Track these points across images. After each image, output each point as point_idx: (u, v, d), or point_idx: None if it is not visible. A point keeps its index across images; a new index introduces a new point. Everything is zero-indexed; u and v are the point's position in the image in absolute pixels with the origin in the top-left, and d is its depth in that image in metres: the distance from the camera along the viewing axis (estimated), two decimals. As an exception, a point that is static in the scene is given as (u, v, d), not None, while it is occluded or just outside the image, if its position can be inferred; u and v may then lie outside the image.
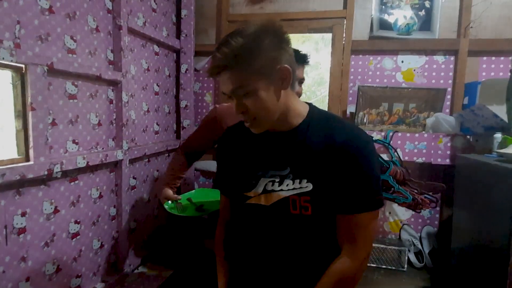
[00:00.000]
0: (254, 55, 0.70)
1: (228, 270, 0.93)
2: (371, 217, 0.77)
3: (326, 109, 2.37)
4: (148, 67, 2.13)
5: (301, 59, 1.35)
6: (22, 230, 1.30)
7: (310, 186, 0.76)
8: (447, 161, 1.99)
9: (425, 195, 2.01)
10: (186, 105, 2.47)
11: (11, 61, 1.19)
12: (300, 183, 0.77)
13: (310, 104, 0.85)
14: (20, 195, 1.29)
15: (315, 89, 7.11)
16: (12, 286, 1.26)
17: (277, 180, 0.80)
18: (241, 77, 0.71)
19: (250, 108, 0.74)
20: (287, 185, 0.78)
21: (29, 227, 1.33)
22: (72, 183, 1.55)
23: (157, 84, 2.25)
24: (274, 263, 0.83)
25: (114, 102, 1.81)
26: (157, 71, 2.24)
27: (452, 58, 2.13)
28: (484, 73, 2.10)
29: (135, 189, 2.04)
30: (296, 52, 1.02)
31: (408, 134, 2.00)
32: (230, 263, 0.94)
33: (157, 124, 2.28)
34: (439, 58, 2.15)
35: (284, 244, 0.81)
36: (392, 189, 2.05)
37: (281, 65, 0.73)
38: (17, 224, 1.28)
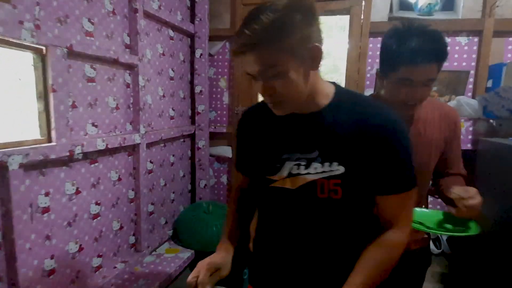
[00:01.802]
0: (287, 32, 0.64)
1: (237, 219, 0.94)
2: (410, 195, 0.77)
3: (342, 93, 2.32)
4: (163, 51, 2.13)
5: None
6: (46, 210, 1.34)
7: (341, 169, 0.74)
8: (469, 146, 1.94)
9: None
10: (200, 91, 2.46)
11: (32, 42, 1.20)
12: (330, 166, 0.75)
13: (335, 84, 0.81)
14: (44, 175, 1.32)
15: (328, 76, 7.02)
16: (38, 263, 1.31)
17: (303, 163, 0.77)
18: (272, 57, 0.65)
19: (278, 90, 0.69)
20: (315, 168, 0.76)
21: (53, 206, 1.37)
22: (93, 165, 1.58)
23: (172, 69, 2.25)
24: (302, 249, 0.81)
25: (131, 86, 1.82)
26: (172, 56, 2.24)
27: (476, 39, 2.05)
28: (509, 55, 2.02)
29: (152, 173, 2.07)
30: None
31: (428, 118, 1.94)
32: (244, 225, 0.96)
33: (172, 109, 2.29)
34: (462, 39, 2.07)
35: (311, 229, 0.80)
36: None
37: (312, 44, 0.68)
38: (41, 203, 1.31)
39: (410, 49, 0.91)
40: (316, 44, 0.68)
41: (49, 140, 1.34)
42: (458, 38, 2.08)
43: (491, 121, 1.89)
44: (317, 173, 0.75)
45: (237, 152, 0.97)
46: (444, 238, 2.10)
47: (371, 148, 0.73)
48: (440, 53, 0.93)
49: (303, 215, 0.80)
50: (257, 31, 0.63)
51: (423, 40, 0.91)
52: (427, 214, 1.05)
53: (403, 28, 0.95)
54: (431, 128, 1.06)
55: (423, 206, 1.14)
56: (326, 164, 0.75)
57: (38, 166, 1.29)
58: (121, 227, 1.81)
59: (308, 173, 0.76)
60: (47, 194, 1.34)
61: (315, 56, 0.70)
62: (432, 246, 2.06)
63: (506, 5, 1.96)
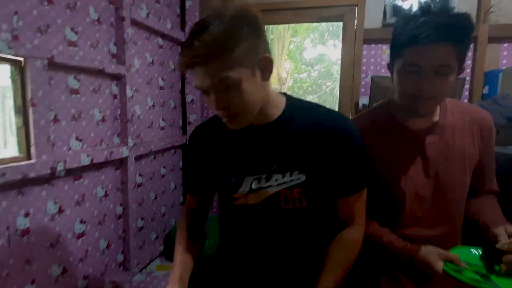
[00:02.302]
0: (238, 42, 0.63)
1: (190, 247, 0.87)
2: (365, 193, 0.80)
3: (337, 102, 2.28)
4: (152, 60, 2.06)
5: None
6: (25, 231, 1.25)
7: (302, 177, 0.74)
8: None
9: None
10: (192, 100, 2.40)
11: (9, 54, 1.12)
12: (291, 175, 0.74)
13: (286, 94, 0.82)
14: (23, 195, 1.23)
15: (321, 82, 7.01)
16: (21, 284, 1.22)
17: (263, 176, 0.76)
18: (224, 68, 0.64)
19: (232, 102, 0.67)
20: (276, 179, 0.75)
21: (33, 228, 1.28)
22: (77, 182, 1.49)
23: (162, 78, 2.18)
24: (270, 262, 0.81)
25: (118, 97, 1.75)
26: (161, 64, 2.17)
27: (471, 45, 2.02)
28: (505, 61, 1.99)
29: (141, 187, 1.99)
30: None
31: (424, 126, 1.90)
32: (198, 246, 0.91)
33: (162, 119, 2.21)
34: (457, 46, 2.05)
35: (279, 240, 0.80)
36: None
37: (262, 54, 0.68)
38: (20, 225, 1.22)
39: (416, 25, 0.72)
40: (266, 54, 0.68)
41: (29, 157, 1.26)
42: (453, 45, 2.05)
43: (489, 128, 1.85)
44: (278, 184, 0.75)
45: (190, 172, 0.91)
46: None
47: (330, 152, 0.74)
48: (456, 31, 0.71)
49: (269, 229, 0.79)
50: (208, 42, 0.61)
51: (435, 15, 0.72)
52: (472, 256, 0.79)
53: (418, 7, 0.78)
54: (462, 137, 0.87)
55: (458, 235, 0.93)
56: (287, 174, 0.74)
57: (17, 185, 1.20)
58: (109, 245, 1.72)
59: (270, 186, 0.75)
60: (26, 215, 1.25)
61: (266, 67, 0.69)
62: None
63: (500, 11, 1.94)
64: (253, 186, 0.77)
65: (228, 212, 0.85)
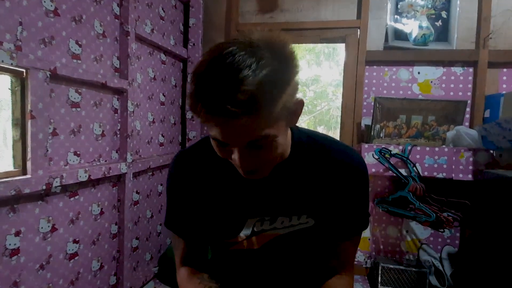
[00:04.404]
0: (281, 90, 0.50)
1: None
2: (361, 235, 0.73)
3: (339, 122, 2.27)
4: (154, 75, 2.04)
5: None
6: (15, 252, 1.17)
7: (311, 222, 0.67)
8: (469, 177, 1.88)
9: (448, 213, 1.89)
10: (192, 116, 2.36)
11: (11, 64, 1.09)
12: (299, 219, 0.67)
13: (291, 128, 0.69)
14: (15, 212, 1.16)
15: (317, 102, 7.09)
16: (2, 316, 1.12)
17: (267, 217, 0.68)
18: (263, 125, 0.50)
19: (261, 159, 0.55)
20: (282, 222, 0.67)
21: (23, 248, 1.20)
22: (72, 199, 1.42)
23: (163, 94, 2.15)
24: None
25: (119, 111, 1.71)
26: (163, 80, 2.15)
27: (471, 69, 2.05)
28: (504, 85, 2.02)
29: (138, 205, 1.91)
30: None
31: (427, 148, 1.89)
32: None
33: (162, 135, 2.17)
34: (457, 70, 2.08)
35: (280, 282, 0.73)
36: (412, 206, 1.94)
37: (298, 98, 0.56)
38: (10, 244, 1.15)
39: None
40: (300, 98, 0.57)
41: (24, 172, 1.19)
42: (454, 68, 2.08)
43: (491, 151, 1.85)
44: (284, 227, 0.67)
45: (177, 212, 0.72)
46: (448, 273, 1.99)
47: (339, 193, 0.66)
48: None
49: (272, 274, 0.72)
50: (247, 94, 0.46)
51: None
52: None
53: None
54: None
55: None
56: (294, 217, 0.67)
57: (9, 202, 1.13)
58: (102, 267, 1.63)
59: (275, 228, 0.68)
60: (17, 234, 1.17)
61: (298, 111, 0.58)
62: (435, 282, 1.95)
63: (499, 37, 1.98)
64: (256, 228, 0.68)
65: (224, 257, 0.76)
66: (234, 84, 0.46)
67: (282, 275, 0.72)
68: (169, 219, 0.74)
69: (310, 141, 0.68)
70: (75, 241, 1.44)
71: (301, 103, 0.57)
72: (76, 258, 1.46)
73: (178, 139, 2.41)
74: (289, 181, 0.66)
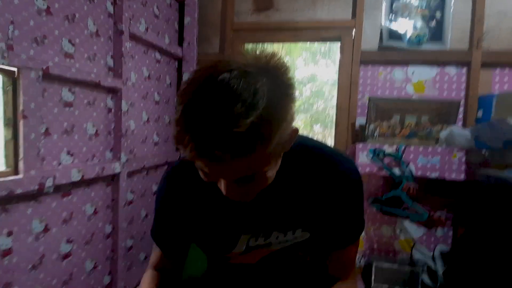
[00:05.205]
0: (277, 126, 0.46)
1: None
2: (359, 240, 0.74)
3: (333, 121, 2.28)
4: (149, 75, 2.03)
5: None
6: (7, 252, 1.16)
7: (306, 235, 0.66)
8: (462, 177, 1.90)
9: (440, 212, 1.91)
10: (187, 115, 2.36)
11: (3, 64, 1.08)
12: (294, 233, 0.66)
13: None
14: (7, 213, 1.15)
15: (313, 101, 7.09)
16: (-6, 317, 1.12)
17: (261, 234, 0.67)
18: (257, 162, 0.48)
19: (251, 190, 0.54)
20: (277, 237, 0.66)
21: (16, 248, 1.19)
22: (65, 199, 1.42)
23: (158, 93, 2.15)
24: None
25: (113, 111, 1.70)
26: (158, 79, 2.14)
27: (464, 70, 2.07)
28: (497, 86, 2.04)
29: (132, 204, 1.91)
30: None
31: (420, 148, 1.91)
32: None
33: (157, 135, 2.16)
34: (451, 70, 2.09)
35: None
36: (405, 205, 1.95)
37: (292, 127, 0.52)
38: (1, 245, 1.14)
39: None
40: (295, 128, 0.53)
41: (16, 172, 1.19)
42: (447, 69, 2.09)
43: (484, 151, 1.87)
44: (280, 242, 0.67)
45: (164, 227, 0.71)
46: (441, 272, 2.01)
47: (334, 204, 0.65)
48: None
49: (270, 286, 0.72)
50: (243, 136, 0.42)
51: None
52: None
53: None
54: None
55: None
56: (289, 232, 0.66)
57: (1, 202, 1.13)
58: (95, 267, 1.63)
59: (270, 243, 0.67)
60: (9, 234, 1.17)
61: (291, 140, 0.54)
62: (427, 281, 1.97)
63: (492, 38, 2.00)
64: (251, 244, 0.67)
65: (221, 270, 0.77)
66: (227, 123, 0.42)
67: (283, 285, 0.73)
68: (155, 231, 0.73)
69: (301, 149, 0.64)
70: (68, 241, 1.44)
71: (295, 132, 0.54)
72: (69, 258, 1.45)
73: (172, 140, 2.40)
74: (281, 195, 0.64)
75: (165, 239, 0.72)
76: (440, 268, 2.05)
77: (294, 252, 0.68)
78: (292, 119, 0.50)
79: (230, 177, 0.49)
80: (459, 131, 1.91)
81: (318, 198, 0.64)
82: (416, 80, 2.13)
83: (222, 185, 0.52)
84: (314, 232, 0.66)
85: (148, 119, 2.04)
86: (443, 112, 1.99)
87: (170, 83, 2.31)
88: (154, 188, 2.16)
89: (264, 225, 0.66)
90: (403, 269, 2.00)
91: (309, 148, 0.65)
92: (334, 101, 2.30)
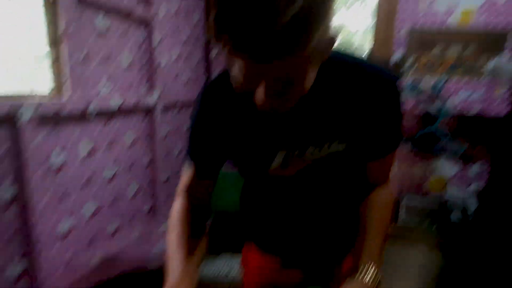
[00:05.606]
0: (320, 21, 0.43)
1: (192, 249, 0.69)
2: (395, 150, 0.72)
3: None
4: (178, 8, 1.99)
5: None
6: (60, 168, 1.26)
7: (341, 147, 0.66)
8: (503, 113, 1.80)
9: (476, 150, 1.85)
10: (217, 54, 2.33)
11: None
12: (329, 147, 0.65)
13: None
14: (56, 132, 1.23)
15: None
16: (56, 220, 1.25)
17: (299, 148, 0.67)
18: (299, 64, 0.46)
19: (288, 97, 0.51)
20: (314, 150, 0.66)
21: (68, 165, 1.29)
22: (106, 125, 1.49)
23: (187, 29, 2.11)
24: (308, 229, 0.78)
25: (145, 43, 1.70)
26: (187, 15, 2.10)
27: None
28: None
29: (167, 138, 1.98)
30: None
31: (463, 81, 1.81)
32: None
33: (189, 71, 2.17)
34: (503, -4, 1.89)
35: (316, 209, 0.76)
36: (441, 142, 1.90)
37: (331, 33, 0.49)
38: (55, 161, 1.24)
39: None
40: (334, 35, 0.50)
41: (61, 95, 1.25)
42: (499, -6, 1.89)
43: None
44: (316, 154, 0.67)
45: (203, 143, 0.71)
46: (473, 210, 2.00)
47: (372, 114, 0.63)
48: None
49: (307, 198, 0.75)
50: (289, 30, 0.40)
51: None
52: None
53: None
54: None
55: None
56: (325, 145, 0.65)
57: (50, 121, 1.20)
58: (137, 192, 1.75)
59: (307, 156, 0.67)
60: (61, 151, 1.26)
61: (330, 47, 0.51)
62: (458, 216, 1.97)
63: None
64: (286, 158, 0.68)
65: (258, 184, 0.80)
66: (269, 12, 0.39)
67: (320, 198, 0.75)
68: (190, 146, 0.73)
69: (337, 60, 0.61)
70: (112, 165, 1.54)
71: (333, 40, 0.50)
72: (114, 181, 1.56)
73: (203, 78, 2.40)
74: (318, 107, 0.63)
75: (200, 154, 0.72)
76: (472, 206, 2.03)
77: (331, 164, 0.69)
78: (332, 19, 0.47)
79: (269, 81, 0.47)
80: (507, 63, 1.77)
81: (357, 107, 0.62)
82: (462, 9, 1.95)
83: (257, 96, 0.51)
84: (351, 144, 0.66)
85: (178, 55, 2.04)
86: (490, 43, 1.84)
87: (200, 19, 2.25)
88: (186, 126, 2.21)
89: (300, 139, 0.66)
90: (433, 207, 2.00)
91: (345, 59, 0.63)
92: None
